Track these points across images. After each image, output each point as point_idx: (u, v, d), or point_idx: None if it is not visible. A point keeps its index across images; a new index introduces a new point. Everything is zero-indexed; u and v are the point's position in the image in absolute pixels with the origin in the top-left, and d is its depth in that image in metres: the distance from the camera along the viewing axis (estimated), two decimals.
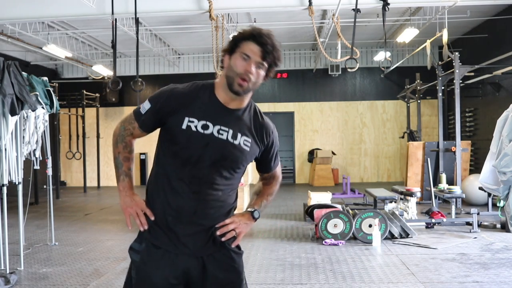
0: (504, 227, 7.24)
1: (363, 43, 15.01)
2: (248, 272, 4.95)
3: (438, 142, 9.94)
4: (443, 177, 9.15)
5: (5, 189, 5.32)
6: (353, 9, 8.38)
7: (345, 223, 6.67)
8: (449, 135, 13.74)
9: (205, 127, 2.11)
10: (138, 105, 2.24)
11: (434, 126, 15.13)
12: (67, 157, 15.41)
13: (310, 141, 16.23)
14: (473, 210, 7.23)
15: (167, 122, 2.15)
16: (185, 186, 2.13)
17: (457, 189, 8.23)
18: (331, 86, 16.26)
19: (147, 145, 13.08)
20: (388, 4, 8.38)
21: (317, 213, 6.91)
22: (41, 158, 6.54)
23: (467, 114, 13.20)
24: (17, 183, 5.53)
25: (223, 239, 2.18)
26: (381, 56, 14.11)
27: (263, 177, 2.45)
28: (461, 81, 9.92)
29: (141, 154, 16.13)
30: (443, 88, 10.21)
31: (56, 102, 6.42)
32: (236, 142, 2.15)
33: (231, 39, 2.17)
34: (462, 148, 9.31)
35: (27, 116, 5.97)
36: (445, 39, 9.95)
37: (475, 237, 6.81)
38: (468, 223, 7.50)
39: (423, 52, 12.94)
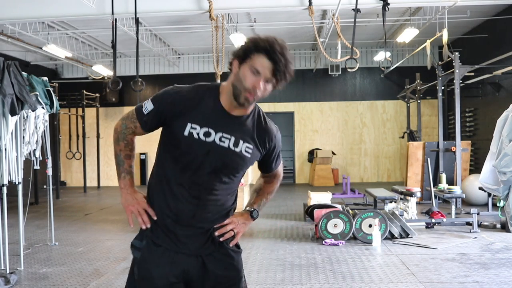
0: (504, 227, 7.24)
1: (363, 43, 15.01)
2: (248, 272, 4.95)
3: (438, 142, 9.94)
4: (443, 177, 9.15)
5: (5, 189, 5.32)
6: (353, 9, 8.38)
7: (345, 223, 6.67)
8: (449, 135, 13.74)
9: (207, 134, 2.09)
10: (140, 103, 2.20)
11: (434, 126, 15.13)
12: (67, 157, 15.41)
13: (310, 141, 16.23)
14: (473, 210, 7.23)
15: (169, 125, 2.14)
16: (185, 191, 2.14)
17: (457, 189, 8.23)
18: (331, 86, 16.26)
19: (147, 145, 13.10)
20: (388, 4, 8.38)
21: (317, 213, 6.91)
22: (41, 158, 6.54)
23: (467, 114, 13.20)
24: (17, 183, 5.53)
25: (221, 239, 2.21)
26: (381, 56, 14.12)
27: (264, 175, 2.45)
28: (461, 81, 9.92)
29: (141, 154, 16.13)
30: (443, 88, 10.21)
31: (56, 102, 6.42)
32: (237, 150, 2.14)
33: (244, 45, 2.09)
34: (462, 148, 9.31)
35: (27, 116, 5.97)
36: (445, 39, 9.95)
37: (475, 237, 6.81)
38: (468, 223, 7.50)
39: (423, 52, 12.94)
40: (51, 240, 6.91)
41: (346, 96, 16.22)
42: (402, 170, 15.20)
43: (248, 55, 2.04)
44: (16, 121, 5.60)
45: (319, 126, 16.24)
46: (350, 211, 7.09)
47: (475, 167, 11.87)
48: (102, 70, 14.61)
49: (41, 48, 12.16)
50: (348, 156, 16.19)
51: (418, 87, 12.66)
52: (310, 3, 8.50)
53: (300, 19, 11.41)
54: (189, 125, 2.09)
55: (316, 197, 8.31)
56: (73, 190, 15.14)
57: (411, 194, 7.80)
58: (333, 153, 15.53)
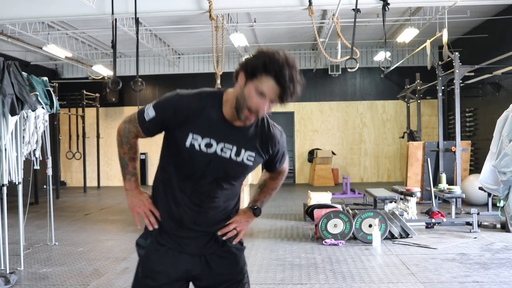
0: (504, 227, 7.24)
1: (363, 43, 15.01)
2: (248, 272, 4.94)
3: (438, 142, 9.94)
4: (443, 177, 9.15)
5: (5, 189, 5.32)
6: (353, 9, 8.38)
7: (345, 223, 6.67)
8: (449, 135, 13.74)
9: (208, 145, 2.08)
10: (142, 107, 2.18)
11: (434, 126, 15.13)
12: (67, 157, 15.40)
13: (310, 141, 16.23)
14: (473, 210, 7.23)
15: (171, 132, 2.14)
16: (186, 198, 2.16)
17: (457, 189, 8.23)
18: (331, 86, 16.26)
19: (147, 145, 13.12)
20: (388, 4, 8.38)
21: (317, 213, 6.91)
22: (41, 158, 6.54)
23: (467, 114, 13.20)
24: (17, 183, 5.53)
25: (224, 238, 2.23)
26: (381, 56, 14.12)
27: (269, 172, 2.44)
28: (461, 81, 9.92)
29: (141, 154, 16.07)
30: (443, 88, 10.20)
31: (56, 102, 6.42)
32: (239, 159, 2.13)
33: (252, 60, 1.99)
34: (462, 148, 9.30)
35: (27, 116, 5.97)
36: (445, 39, 9.95)
37: (475, 237, 6.81)
38: (468, 223, 7.50)
39: (423, 52, 12.94)
40: (51, 240, 6.91)
41: (346, 96, 16.22)
42: (402, 170, 15.20)
43: (256, 75, 1.97)
44: (16, 121, 5.60)
45: (319, 126, 16.24)
46: (350, 211, 7.09)
47: (475, 167, 11.87)
48: (102, 70, 14.62)
49: (41, 48, 12.16)
50: (348, 156, 16.19)
51: (418, 87, 12.66)
52: (310, 3, 8.50)
53: (300, 19, 11.41)
54: (190, 135, 2.08)
55: (316, 197, 8.31)
56: (73, 190, 15.14)
57: (411, 194, 7.80)
58: (333, 153, 15.53)
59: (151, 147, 15.44)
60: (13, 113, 5.24)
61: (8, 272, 5.12)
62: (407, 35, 11.24)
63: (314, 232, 6.97)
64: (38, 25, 11.13)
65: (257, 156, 2.17)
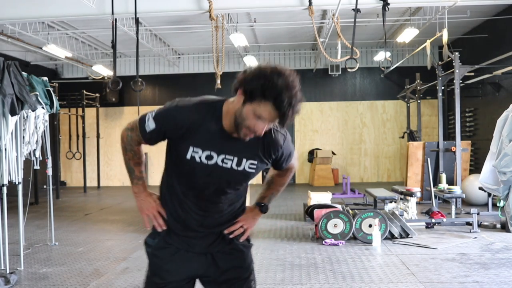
0: (504, 227, 7.23)
1: (363, 43, 15.00)
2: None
3: (438, 142, 9.94)
4: (443, 177, 9.15)
5: (5, 189, 5.32)
6: (353, 9, 8.38)
7: (345, 223, 6.67)
8: (449, 135, 13.74)
9: (209, 157, 2.09)
10: (143, 114, 2.18)
11: (434, 126, 15.13)
12: (67, 157, 15.40)
13: (310, 141, 16.23)
14: (473, 210, 7.22)
15: (173, 143, 2.17)
16: (191, 203, 2.19)
17: (457, 189, 8.23)
18: (331, 86, 16.26)
19: (147, 145, 13.13)
20: (388, 4, 8.38)
21: (317, 213, 6.90)
22: (41, 158, 6.54)
23: (467, 114, 13.20)
24: (17, 183, 5.53)
25: (231, 236, 2.27)
26: (381, 56, 14.12)
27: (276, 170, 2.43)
28: (461, 81, 9.92)
29: None
30: (443, 88, 10.20)
31: (56, 102, 6.42)
32: (240, 169, 2.14)
33: (250, 81, 1.94)
34: (462, 148, 9.30)
35: (27, 116, 5.97)
36: (445, 39, 9.95)
37: (475, 237, 6.81)
38: (468, 223, 7.50)
39: (423, 52, 12.94)
40: (51, 240, 6.90)
41: (346, 96, 16.22)
42: (402, 170, 15.20)
43: (254, 99, 1.93)
44: (16, 121, 5.60)
45: (319, 126, 16.24)
46: (350, 211, 7.09)
47: (475, 167, 11.87)
48: (102, 70, 14.62)
49: (41, 48, 12.16)
50: (348, 156, 16.19)
51: (418, 87, 12.65)
52: (310, 3, 8.50)
53: (300, 19, 11.41)
54: (191, 148, 2.09)
55: (316, 197, 8.31)
56: (73, 190, 15.14)
57: (411, 194, 7.80)
58: (333, 153, 15.53)
59: (151, 147, 15.38)
60: (13, 113, 5.24)
61: (8, 272, 5.12)
62: (407, 35, 11.23)
63: (314, 232, 6.97)
64: (38, 25, 11.13)
65: (259, 163, 2.18)
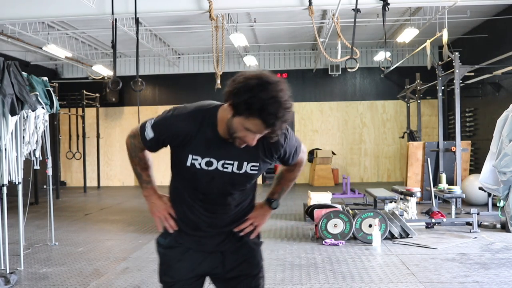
0: (504, 227, 7.24)
1: (363, 43, 15.00)
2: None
3: (438, 142, 9.94)
4: (443, 177, 9.15)
5: (5, 189, 5.32)
6: (353, 9, 8.38)
7: (345, 223, 6.67)
8: (449, 135, 13.74)
9: (209, 164, 2.10)
10: (144, 121, 2.20)
11: (434, 126, 15.13)
12: (67, 157, 15.40)
13: (310, 141, 16.22)
14: (473, 210, 7.23)
15: (173, 150, 2.19)
16: (199, 206, 2.22)
17: (457, 189, 8.23)
18: (331, 86, 16.26)
19: None
20: (388, 4, 8.38)
21: (317, 213, 6.90)
22: (41, 158, 6.54)
23: (467, 114, 13.20)
24: (17, 183, 5.53)
25: (241, 234, 2.29)
26: (381, 56, 14.12)
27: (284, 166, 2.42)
28: (461, 81, 9.92)
29: None
30: (443, 88, 10.20)
31: (56, 102, 6.42)
32: (242, 171, 2.14)
33: (237, 96, 1.89)
34: (462, 148, 9.30)
35: (27, 116, 5.97)
36: (445, 39, 9.95)
37: (475, 237, 6.81)
38: (468, 223, 7.50)
39: (423, 52, 12.94)
40: (51, 240, 6.90)
41: (346, 96, 16.22)
42: (402, 170, 15.20)
43: (241, 114, 1.91)
44: (16, 121, 5.60)
45: (319, 126, 16.23)
46: (350, 211, 7.09)
47: (475, 167, 11.87)
48: (102, 70, 14.61)
49: (41, 48, 12.16)
50: (348, 156, 16.18)
51: (418, 87, 12.65)
52: (310, 3, 8.50)
53: (300, 19, 11.41)
54: (190, 156, 2.10)
55: (316, 197, 8.31)
56: (73, 190, 15.14)
57: (411, 194, 7.80)
58: (333, 153, 15.53)
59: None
60: (13, 113, 5.24)
61: (8, 272, 5.12)
62: (407, 35, 11.23)
63: (314, 232, 6.97)
64: (38, 25, 11.13)
65: (261, 163, 2.17)
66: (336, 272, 5.25)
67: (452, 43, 12.95)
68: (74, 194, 13.91)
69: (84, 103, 14.76)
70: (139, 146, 2.23)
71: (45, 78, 6.40)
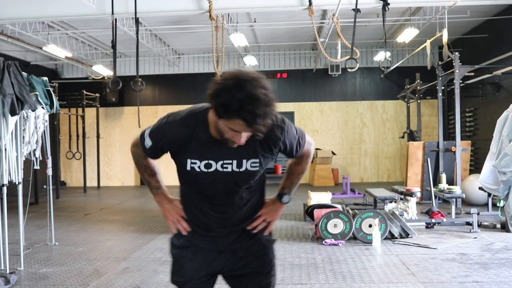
0: (504, 227, 7.23)
1: (363, 43, 15.00)
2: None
3: (438, 142, 9.94)
4: (443, 177, 9.15)
5: (5, 189, 5.32)
6: (353, 9, 8.38)
7: (345, 223, 6.67)
8: (449, 135, 13.74)
9: (208, 166, 2.12)
10: (143, 130, 2.22)
11: (434, 126, 15.13)
12: (67, 157, 15.41)
13: None
14: (473, 210, 7.22)
15: (173, 156, 2.20)
16: (207, 208, 2.23)
17: (457, 189, 8.23)
18: (331, 86, 16.26)
19: None
20: (388, 4, 8.38)
21: (317, 213, 6.90)
22: (41, 158, 6.54)
23: (467, 114, 13.20)
24: (17, 183, 5.53)
25: (254, 231, 2.29)
26: (381, 56, 14.12)
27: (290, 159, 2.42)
28: (461, 81, 9.92)
29: None
30: (443, 88, 10.20)
31: (56, 102, 6.42)
32: (242, 169, 2.14)
33: (216, 99, 1.89)
34: (462, 148, 9.30)
35: (27, 116, 5.97)
36: (445, 39, 9.95)
37: (475, 237, 6.81)
38: (468, 223, 7.50)
39: (423, 52, 12.94)
40: (51, 240, 6.90)
41: (346, 96, 16.22)
42: (402, 170, 15.20)
43: (222, 116, 1.91)
44: (16, 121, 5.59)
45: (319, 126, 16.23)
46: (350, 211, 7.09)
47: (475, 167, 11.87)
48: (102, 70, 14.62)
49: (41, 48, 12.16)
50: (348, 156, 16.18)
51: (418, 87, 12.65)
52: (310, 3, 8.50)
53: (300, 19, 11.41)
54: (188, 160, 2.13)
55: (316, 197, 8.31)
56: (73, 190, 15.14)
57: (411, 194, 7.80)
58: (333, 153, 15.53)
59: None
60: (13, 113, 5.24)
61: (8, 272, 5.12)
62: (407, 35, 11.23)
63: (314, 232, 6.97)
64: (38, 25, 11.13)
65: (261, 159, 2.17)
66: (336, 272, 5.25)
67: (452, 43, 12.95)
68: (74, 194, 13.91)
69: (84, 103, 14.76)
70: (142, 154, 2.26)
71: (45, 78, 6.40)
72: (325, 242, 6.57)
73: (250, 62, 14.88)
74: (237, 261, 2.29)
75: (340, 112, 16.18)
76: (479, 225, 7.38)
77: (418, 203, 8.52)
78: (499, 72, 10.46)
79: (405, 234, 6.82)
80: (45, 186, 11.26)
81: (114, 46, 9.21)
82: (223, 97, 1.87)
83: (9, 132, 5.35)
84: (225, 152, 2.10)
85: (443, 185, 8.76)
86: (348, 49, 9.13)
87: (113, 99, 15.95)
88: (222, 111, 1.88)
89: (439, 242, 6.57)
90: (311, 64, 16.12)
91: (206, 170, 2.12)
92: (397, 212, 7.19)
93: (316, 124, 16.23)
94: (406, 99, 13.91)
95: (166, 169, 2.63)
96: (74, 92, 15.08)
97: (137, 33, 9.18)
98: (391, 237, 6.77)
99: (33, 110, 5.75)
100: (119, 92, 15.61)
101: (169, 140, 2.11)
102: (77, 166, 16.07)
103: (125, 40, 12.43)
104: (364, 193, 10.32)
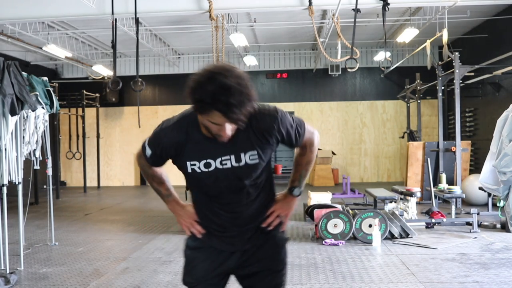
0: (504, 227, 7.24)
1: (363, 43, 15.01)
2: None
3: (438, 142, 9.94)
4: (443, 177, 9.15)
5: (5, 189, 5.32)
6: (353, 9, 8.38)
7: (345, 223, 6.67)
8: (449, 135, 13.74)
9: (207, 165, 2.14)
10: (144, 140, 2.24)
11: (434, 126, 15.13)
12: (67, 157, 15.41)
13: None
14: (473, 210, 7.22)
15: (173, 161, 2.22)
16: (217, 209, 2.25)
17: (457, 189, 8.23)
18: (331, 86, 16.26)
19: None
20: (388, 4, 8.38)
21: (317, 213, 6.90)
22: (41, 158, 6.54)
23: (467, 114, 13.20)
24: (17, 183, 5.53)
25: (269, 228, 2.30)
26: (381, 56, 14.12)
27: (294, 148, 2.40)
28: (461, 81, 9.92)
29: None
30: (443, 88, 10.20)
31: (56, 102, 6.42)
32: (242, 164, 2.14)
33: (191, 97, 1.93)
34: (462, 148, 9.30)
35: (27, 116, 5.97)
36: (445, 39, 9.95)
37: (475, 237, 6.81)
38: (468, 223, 7.50)
39: (423, 52, 12.94)
40: (51, 240, 6.90)
41: (346, 96, 16.22)
42: (402, 170, 15.20)
43: (200, 111, 1.96)
44: (16, 121, 5.60)
45: (319, 126, 16.22)
46: (350, 211, 7.09)
47: (475, 167, 11.87)
48: (102, 70, 14.62)
49: (41, 48, 12.16)
50: (348, 156, 16.19)
51: (418, 87, 12.65)
52: (310, 3, 8.50)
53: (300, 19, 11.41)
54: (188, 163, 2.15)
55: (316, 197, 8.31)
56: (73, 190, 15.14)
57: (411, 194, 7.80)
58: (333, 153, 15.53)
59: None
60: (13, 113, 5.24)
61: (8, 272, 5.12)
62: (407, 35, 11.23)
63: (314, 232, 6.96)
64: (38, 25, 11.13)
65: (260, 150, 2.15)
66: (336, 272, 5.25)
67: (452, 43, 12.95)
68: (74, 194, 13.91)
69: (84, 103, 14.76)
70: (146, 164, 2.29)
71: (45, 78, 6.40)
72: (325, 242, 6.57)
73: (250, 62, 14.88)
74: (249, 260, 2.29)
75: (340, 112, 16.19)
76: (479, 225, 7.38)
77: (418, 203, 8.52)
78: (499, 72, 10.46)
79: (405, 234, 6.82)
80: (45, 186, 11.26)
81: (114, 46, 9.21)
82: (197, 93, 1.90)
83: (9, 132, 5.35)
84: (221, 148, 2.10)
85: (443, 185, 8.76)
86: (348, 49, 9.13)
87: (113, 99, 15.95)
88: (199, 106, 1.92)
89: (439, 242, 6.57)
90: (311, 64, 16.13)
91: (206, 170, 2.14)
92: (397, 212, 7.19)
93: (316, 124, 16.21)
94: (406, 99, 13.91)
95: (167, 170, 2.62)
96: (74, 92, 15.08)
97: (137, 33, 9.18)
98: (391, 237, 6.77)
99: (33, 110, 5.75)
100: (119, 92, 15.62)
101: (165, 145, 2.14)
102: (77, 166, 16.07)
103: (125, 40, 12.44)
104: (364, 193, 10.32)
